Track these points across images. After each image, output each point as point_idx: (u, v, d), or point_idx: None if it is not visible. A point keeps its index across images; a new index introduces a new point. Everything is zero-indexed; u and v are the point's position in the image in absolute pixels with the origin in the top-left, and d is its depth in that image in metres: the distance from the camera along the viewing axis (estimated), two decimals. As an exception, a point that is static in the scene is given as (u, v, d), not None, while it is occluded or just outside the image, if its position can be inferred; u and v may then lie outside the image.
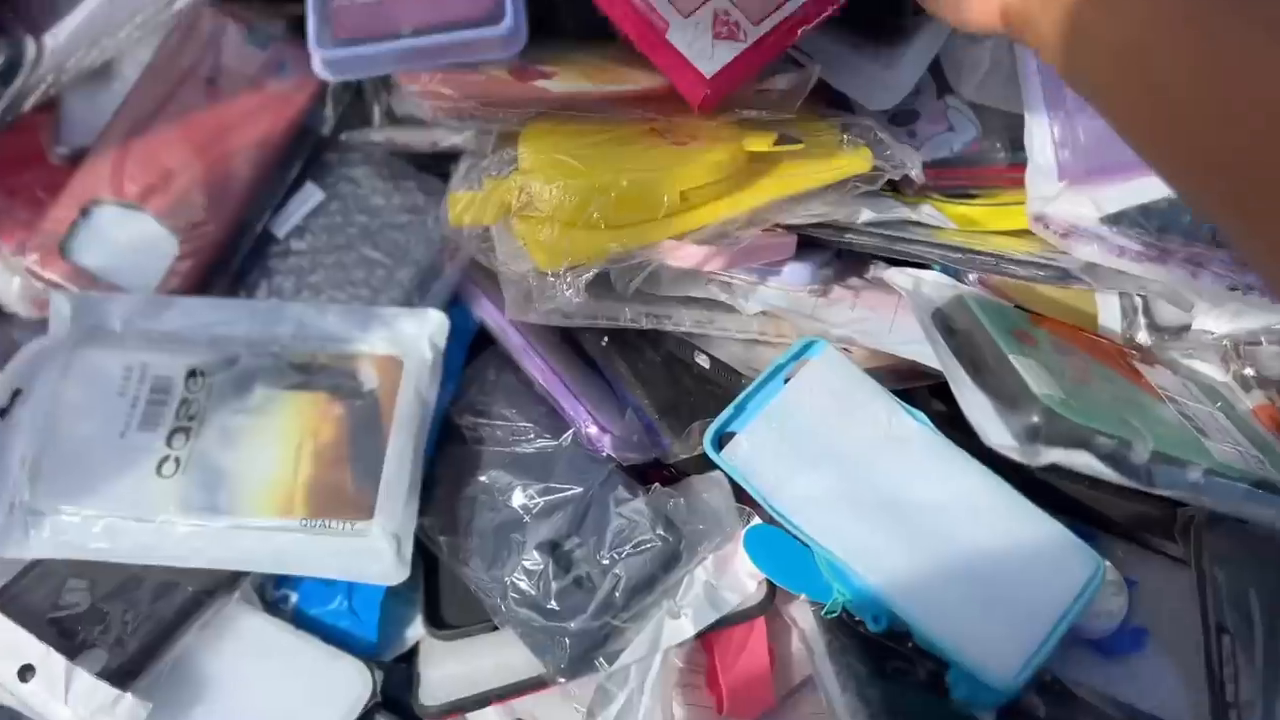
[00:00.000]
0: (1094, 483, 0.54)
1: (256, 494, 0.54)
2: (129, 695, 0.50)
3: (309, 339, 0.58)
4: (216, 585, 0.54)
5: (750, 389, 0.57)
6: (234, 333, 0.57)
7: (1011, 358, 0.55)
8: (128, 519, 0.53)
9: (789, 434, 0.56)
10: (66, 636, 0.52)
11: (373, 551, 0.53)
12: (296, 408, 0.56)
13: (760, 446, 0.56)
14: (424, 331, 0.58)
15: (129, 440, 0.54)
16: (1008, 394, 0.54)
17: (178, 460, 0.54)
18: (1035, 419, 0.51)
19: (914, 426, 0.56)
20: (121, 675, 0.51)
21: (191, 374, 0.56)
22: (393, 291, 0.61)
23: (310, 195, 0.65)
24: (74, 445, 0.54)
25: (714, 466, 0.59)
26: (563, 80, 0.56)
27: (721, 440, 0.56)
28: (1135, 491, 0.54)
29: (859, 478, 0.54)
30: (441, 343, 0.58)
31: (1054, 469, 0.51)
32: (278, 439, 0.55)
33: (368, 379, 0.57)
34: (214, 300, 0.59)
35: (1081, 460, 0.51)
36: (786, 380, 0.57)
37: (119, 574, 0.53)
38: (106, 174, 0.61)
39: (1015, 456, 0.51)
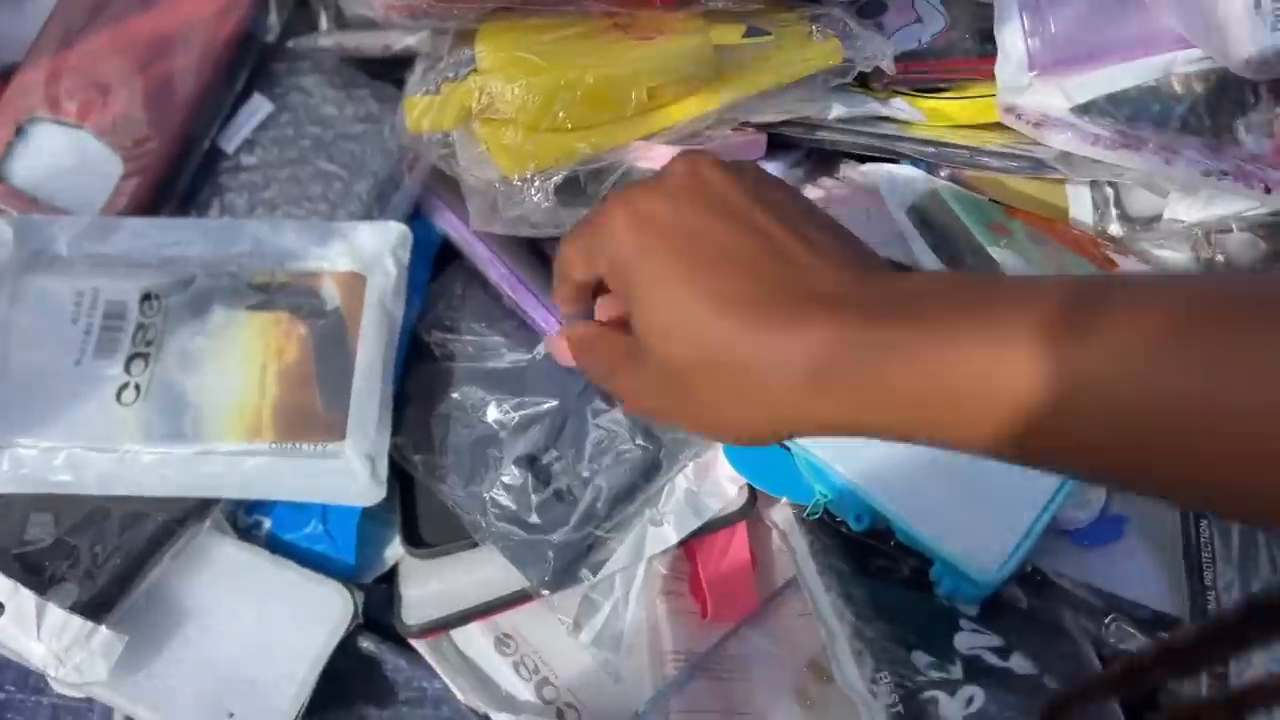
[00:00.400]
0: None
1: (222, 418, 0.52)
2: (103, 628, 0.49)
3: (266, 257, 0.55)
4: (186, 514, 0.52)
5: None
6: (188, 253, 0.55)
7: (989, 249, 0.54)
8: (89, 450, 0.50)
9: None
10: (34, 572, 0.50)
11: (347, 472, 0.51)
12: (258, 328, 0.54)
13: None
14: (386, 245, 0.56)
15: (85, 368, 0.52)
16: None
17: (138, 387, 0.52)
18: None
19: None
20: (94, 608, 0.50)
21: (146, 297, 0.53)
22: (351, 205, 0.59)
23: (259, 107, 0.61)
24: (27, 376, 0.52)
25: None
26: (523, -27, 0.53)
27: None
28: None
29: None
30: (405, 256, 0.56)
31: None
32: (241, 361, 0.53)
33: (330, 296, 0.55)
34: (165, 220, 0.56)
35: None
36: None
37: (85, 506, 0.51)
38: (41, 90, 0.57)
39: None
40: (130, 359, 0.52)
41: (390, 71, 0.62)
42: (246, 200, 0.59)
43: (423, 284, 0.60)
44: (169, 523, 0.52)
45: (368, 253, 0.56)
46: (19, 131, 0.57)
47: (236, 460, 0.51)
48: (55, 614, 0.48)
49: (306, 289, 0.55)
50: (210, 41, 0.59)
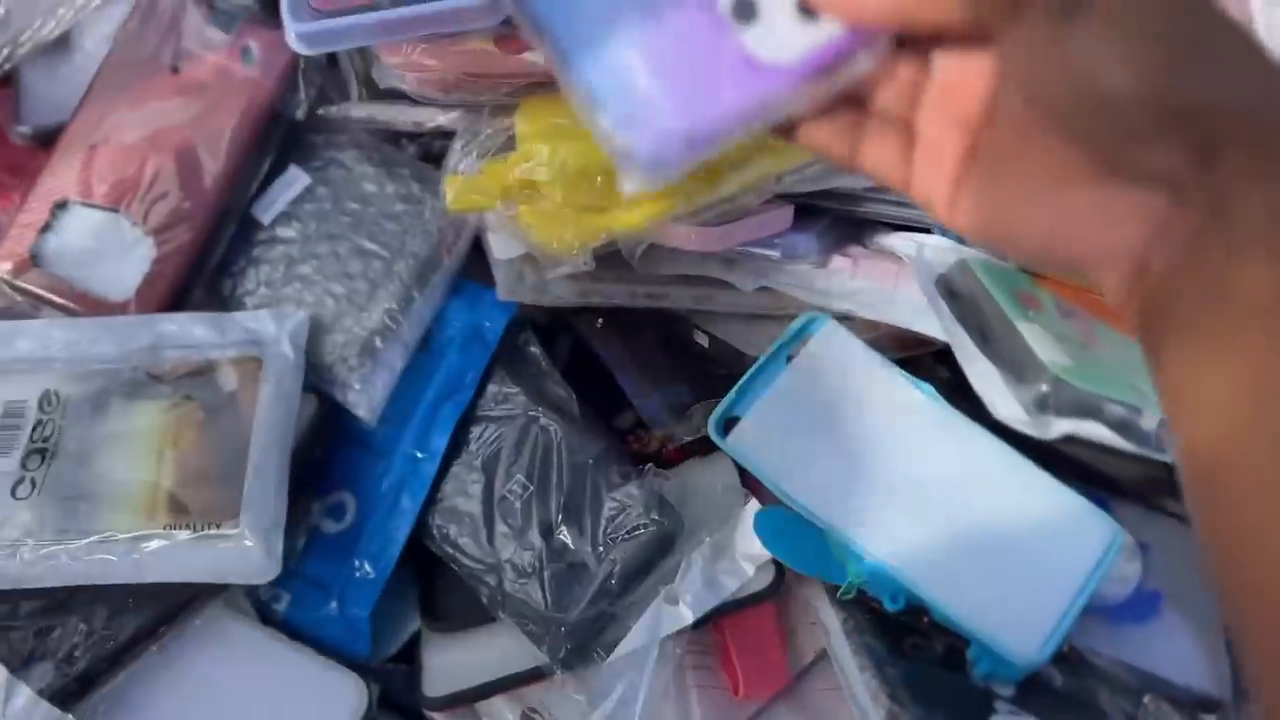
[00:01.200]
0: (1102, 448, 0.54)
1: (117, 506, 0.51)
2: (69, 718, 0.48)
3: (167, 349, 0.56)
4: (177, 608, 0.52)
5: (752, 371, 0.55)
6: (90, 351, 0.55)
7: (1018, 324, 0.53)
8: None
9: (795, 415, 0.54)
10: (14, 648, 0.50)
11: (241, 551, 0.51)
12: (156, 417, 0.54)
13: (766, 430, 0.54)
14: (284, 331, 0.56)
15: None
16: (1015, 363, 0.52)
17: (34, 482, 0.52)
18: (1044, 388, 0.50)
19: (921, 399, 0.54)
20: (65, 695, 0.49)
21: (46, 396, 0.54)
22: (391, 285, 0.58)
23: (295, 179, 0.61)
24: None
25: (716, 451, 0.58)
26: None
27: (726, 425, 0.54)
28: (1143, 455, 0.54)
29: (868, 455, 0.53)
30: (302, 341, 0.57)
31: (1066, 437, 0.51)
32: (138, 450, 0.53)
33: (227, 381, 0.55)
34: (68, 321, 0.56)
35: (1092, 429, 0.49)
36: (789, 359, 0.56)
37: (75, 589, 0.51)
38: (74, 175, 0.58)
39: (1026, 430, 0.50)
40: (27, 455, 0.53)
41: (429, 144, 0.63)
42: (283, 274, 0.59)
43: (480, 366, 0.59)
44: (159, 615, 0.52)
45: (266, 338, 0.56)
46: (53, 216, 0.57)
47: (131, 546, 0.50)
48: (24, 695, 0.48)
49: (205, 376, 0.56)
50: (240, 123, 0.59)
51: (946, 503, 0.52)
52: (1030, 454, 0.52)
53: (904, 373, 0.55)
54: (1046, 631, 0.49)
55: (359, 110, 0.62)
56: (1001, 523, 0.51)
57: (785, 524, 0.53)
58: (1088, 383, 0.50)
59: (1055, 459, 0.53)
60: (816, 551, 0.52)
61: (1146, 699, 0.52)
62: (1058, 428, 0.50)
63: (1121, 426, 0.50)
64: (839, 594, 0.51)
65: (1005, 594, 0.50)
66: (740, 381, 0.55)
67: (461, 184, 0.53)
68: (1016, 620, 0.49)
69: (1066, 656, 0.52)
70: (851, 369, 0.55)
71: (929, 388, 0.54)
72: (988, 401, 0.52)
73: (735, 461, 0.57)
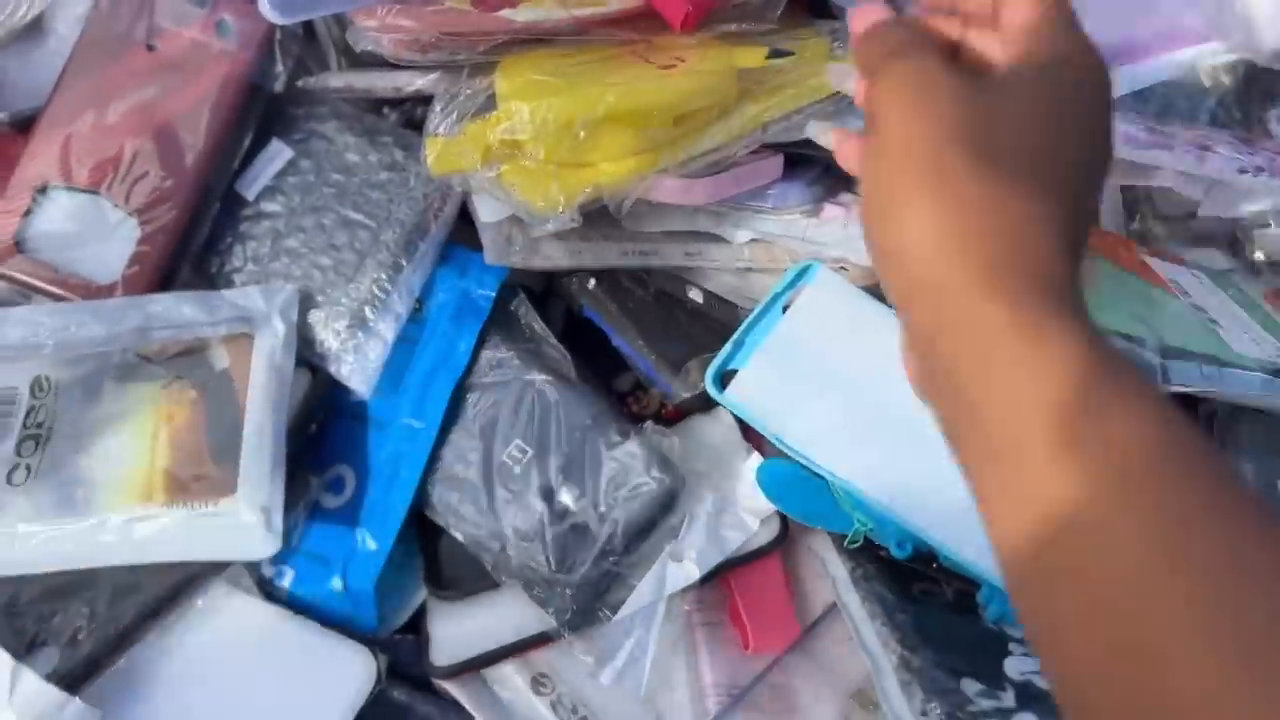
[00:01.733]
0: None
1: (113, 488, 0.51)
2: (77, 700, 0.47)
3: (156, 329, 0.55)
4: (179, 588, 0.52)
5: (747, 323, 0.54)
6: (79, 335, 0.54)
7: None
8: None
9: (793, 365, 0.53)
10: (18, 633, 0.49)
11: (240, 527, 0.50)
12: (148, 398, 0.53)
13: (764, 381, 0.53)
14: (274, 306, 0.55)
15: None
16: None
17: (29, 467, 0.51)
18: None
19: None
20: (72, 678, 0.48)
21: (37, 381, 0.54)
22: (379, 255, 0.57)
23: (278, 152, 0.60)
24: None
25: (715, 407, 0.57)
26: (530, 5, 0.52)
27: (724, 379, 0.53)
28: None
29: (870, 402, 0.52)
30: (293, 315, 0.56)
31: None
32: (131, 431, 0.52)
33: (219, 359, 0.55)
34: (55, 306, 0.55)
35: None
36: (785, 309, 0.55)
37: (77, 572, 0.50)
38: (53, 159, 0.56)
39: None
40: (21, 441, 0.52)
41: (411, 111, 0.61)
42: (270, 249, 0.58)
43: (473, 333, 0.58)
44: (161, 596, 0.51)
45: (256, 314, 0.56)
46: (35, 201, 0.56)
47: (129, 527, 0.50)
48: (29, 680, 0.47)
49: (196, 355, 0.55)
50: (218, 98, 0.58)
51: (950, 446, 0.51)
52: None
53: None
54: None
55: (337, 80, 0.61)
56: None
57: (788, 475, 0.52)
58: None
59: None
60: (820, 502, 0.51)
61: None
62: None
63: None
64: (845, 542, 0.51)
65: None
66: (736, 333, 0.54)
67: (442, 147, 0.52)
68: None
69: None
70: (848, 315, 0.54)
71: None
72: None
73: (735, 415, 0.56)
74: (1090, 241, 0.56)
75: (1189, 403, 0.53)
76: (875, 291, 0.55)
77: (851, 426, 0.51)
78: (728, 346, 0.53)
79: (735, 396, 0.53)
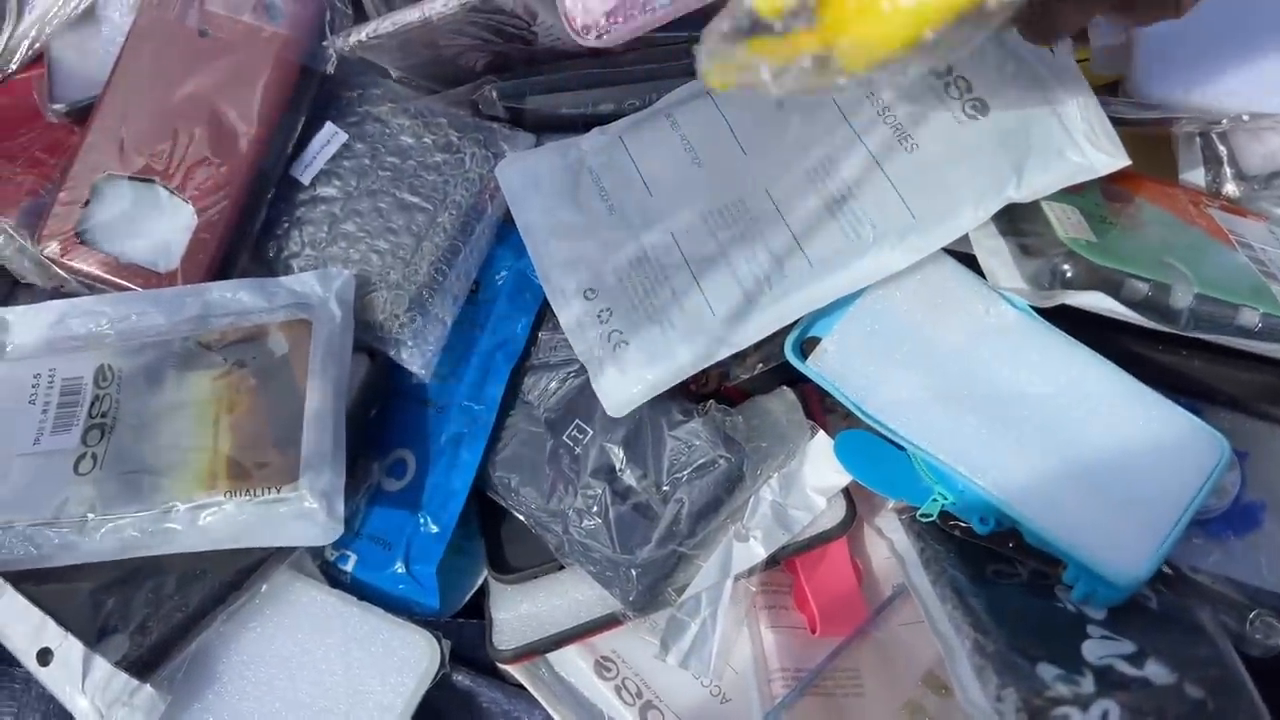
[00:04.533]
0: (1195, 352, 0.51)
1: (177, 476, 0.50)
2: (147, 686, 0.47)
3: (215, 317, 0.54)
4: (245, 574, 0.51)
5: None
6: (141, 324, 0.54)
7: (1042, 203, 0.50)
8: (48, 523, 0.49)
9: (878, 334, 0.50)
10: (88, 621, 0.49)
11: (303, 513, 0.49)
12: (209, 385, 0.52)
13: (848, 350, 0.50)
14: (330, 291, 0.54)
15: (43, 445, 0.51)
16: (1028, 236, 0.50)
17: (95, 457, 0.51)
18: (1054, 261, 0.48)
19: (1013, 315, 0.50)
20: (141, 665, 0.48)
21: (101, 371, 0.53)
22: (436, 237, 0.56)
23: (332, 136, 0.59)
24: None
25: (776, 386, 0.55)
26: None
27: (805, 347, 0.51)
28: (1240, 356, 0.50)
29: (958, 374, 0.49)
30: (350, 299, 0.54)
31: (1165, 337, 0.49)
32: (194, 419, 0.52)
33: (278, 345, 0.53)
34: (117, 296, 0.55)
35: (1100, 303, 0.47)
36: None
37: (143, 559, 0.50)
38: (111, 148, 0.55)
39: (1027, 299, 0.49)
40: (87, 431, 0.51)
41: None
42: (327, 233, 0.57)
43: (531, 313, 0.57)
44: (227, 583, 0.51)
45: (313, 300, 0.54)
46: (94, 192, 0.55)
47: (194, 514, 0.49)
48: (101, 667, 0.47)
49: (255, 342, 0.54)
50: (269, 81, 0.56)
51: (1040, 420, 0.48)
52: (1124, 366, 0.49)
53: (994, 287, 0.51)
54: (1149, 550, 0.45)
55: (386, 24, 0.57)
56: (1100, 439, 0.47)
57: (867, 446, 0.49)
58: (1109, 259, 0.48)
59: (1144, 369, 0.50)
60: (899, 474, 0.48)
61: (1253, 615, 0.48)
62: (1059, 299, 0.48)
63: (1144, 304, 0.48)
64: (918, 513, 0.49)
65: (1104, 513, 0.46)
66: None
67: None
68: (1117, 540, 0.45)
69: (1163, 575, 0.49)
70: (936, 283, 0.51)
71: (1021, 301, 0.50)
72: (988, 271, 0.50)
73: (796, 394, 0.54)
74: (1148, 188, 0.54)
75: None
76: (963, 258, 0.52)
77: (938, 399, 0.49)
78: (809, 314, 0.51)
79: (817, 365, 0.50)
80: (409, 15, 0.55)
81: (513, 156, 0.58)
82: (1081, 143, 0.49)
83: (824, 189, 0.52)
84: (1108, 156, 0.49)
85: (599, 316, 0.52)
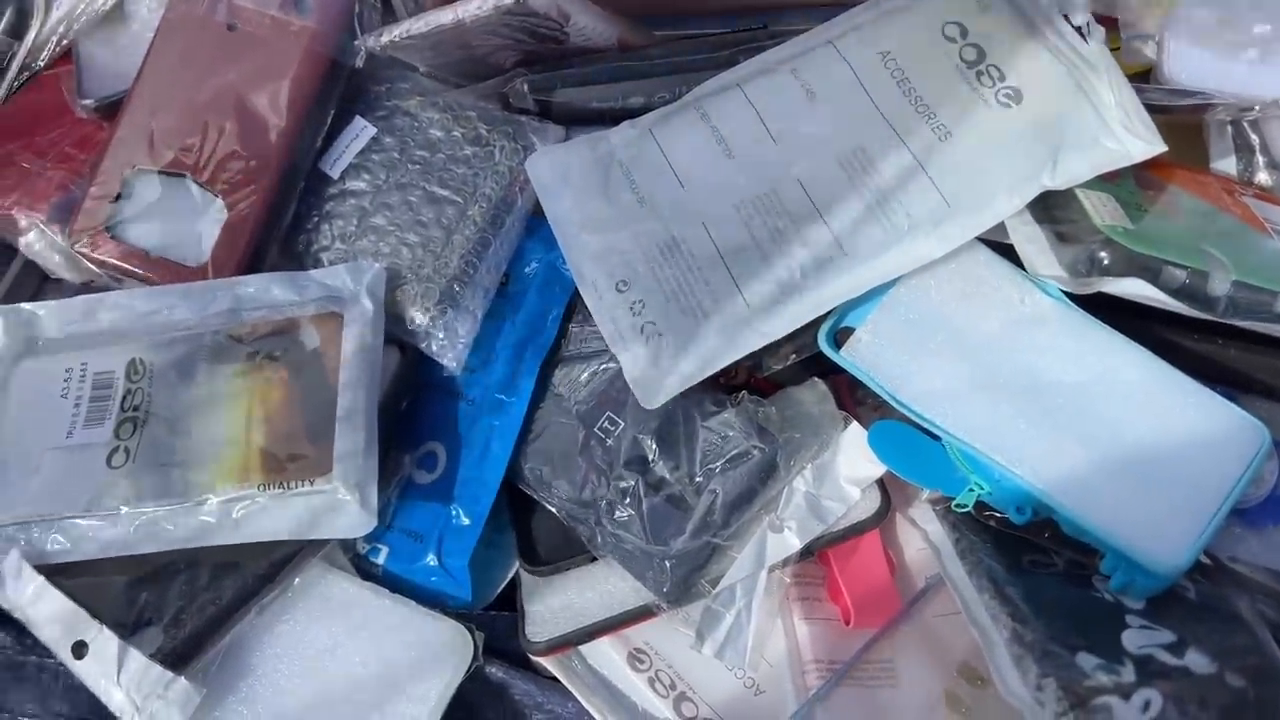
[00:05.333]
0: (1232, 340, 0.50)
1: (210, 469, 0.50)
2: (182, 679, 0.47)
3: (247, 310, 0.54)
4: (277, 567, 0.51)
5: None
6: (171, 318, 0.53)
7: (1078, 191, 0.50)
8: (84, 516, 0.49)
9: (912, 323, 0.50)
10: (123, 613, 0.49)
11: (337, 505, 0.49)
12: (242, 378, 0.52)
13: (882, 340, 0.50)
14: (361, 284, 0.54)
15: (76, 439, 0.51)
16: (1066, 224, 0.50)
17: (127, 450, 0.50)
18: (1092, 248, 0.48)
19: (1049, 304, 0.49)
20: (176, 657, 0.48)
21: (132, 365, 0.53)
22: (466, 230, 0.55)
23: (361, 129, 0.58)
24: (22, 455, 0.51)
25: (807, 378, 0.55)
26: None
27: (839, 337, 0.51)
28: (1278, 345, 0.50)
29: (993, 363, 0.49)
30: (380, 292, 0.54)
31: (1201, 325, 0.49)
32: (226, 412, 0.51)
33: (310, 339, 0.53)
34: (146, 290, 0.54)
35: (1136, 288, 0.47)
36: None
37: (177, 552, 0.50)
38: (140, 143, 0.55)
39: (1065, 286, 0.49)
40: (119, 425, 0.51)
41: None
42: (357, 226, 0.56)
43: (561, 305, 0.57)
44: (260, 575, 0.50)
45: (345, 293, 0.54)
46: (124, 185, 0.55)
47: (228, 507, 0.49)
48: (136, 660, 0.47)
49: (286, 335, 0.53)
50: (299, 74, 0.56)
51: (1078, 410, 0.47)
52: (1161, 355, 0.49)
53: (1030, 276, 0.51)
54: (1189, 540, 0.44)
55: (419, 24, 0.57)
56: (1138, 428, 0.47)
57: (901, 436, 0.49)
58: (1146, 246, 0.48)
59: (1181, 357, 0.49)
60: (934, 464, 0.48)
61: (1291, 604, 0.48)
62: (1097, 286, 0.48)
63: (1182, 291, 0.48)
64: (953, 504, 0.48)
65: (1143, 502, 0.45)
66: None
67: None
68: (1156, 529, 0.45)
69: (1201, 565, 0.48)
70: (971, 272, 0.51)
71: (1056, 290, 0.50)
72: (1025, 259, 0.50)
73: (828, 385, 0.54)
74: (1181, 176, 0.54)
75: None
76: (997, 247, 0.52)
77: (974, 389, 0.48)
78: (843, 304, 0.51)
79: (851, 355, 0.50)
80: (443, 16, 0.55)
81: (542, 150, 0.57)
82: (1117, 129, 0.49)
83: (857, 178, 0.52)
84: (1144, 143, 0.49)
85: (632, 309, 0.51)
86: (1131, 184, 0.52)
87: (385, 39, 0.56)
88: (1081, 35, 0.51)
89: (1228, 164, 0.55)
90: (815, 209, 0.51)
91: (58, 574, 0.49)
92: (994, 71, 0.52)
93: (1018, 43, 0.53)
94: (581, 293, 0.53)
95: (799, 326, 0.50)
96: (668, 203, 0.54)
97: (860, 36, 0.55)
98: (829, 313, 0.51)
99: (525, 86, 0.58)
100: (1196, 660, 0.44)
